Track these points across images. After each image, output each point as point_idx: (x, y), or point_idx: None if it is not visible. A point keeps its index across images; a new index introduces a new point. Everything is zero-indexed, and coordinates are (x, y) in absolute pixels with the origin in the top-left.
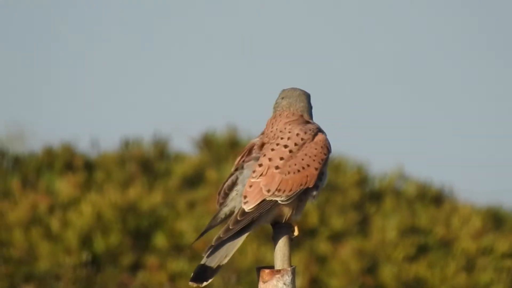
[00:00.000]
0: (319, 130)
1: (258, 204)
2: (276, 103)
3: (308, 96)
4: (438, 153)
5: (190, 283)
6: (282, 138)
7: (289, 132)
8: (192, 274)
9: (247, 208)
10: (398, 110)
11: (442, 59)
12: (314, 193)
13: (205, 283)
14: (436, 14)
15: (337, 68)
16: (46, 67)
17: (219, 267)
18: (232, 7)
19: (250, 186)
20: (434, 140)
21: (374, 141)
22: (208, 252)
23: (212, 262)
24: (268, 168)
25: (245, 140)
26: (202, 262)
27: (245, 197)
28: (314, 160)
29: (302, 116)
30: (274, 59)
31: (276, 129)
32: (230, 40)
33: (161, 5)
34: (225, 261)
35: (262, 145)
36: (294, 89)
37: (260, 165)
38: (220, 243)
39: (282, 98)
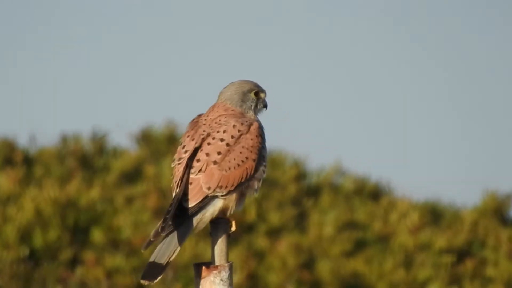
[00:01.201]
0: (254, 120)
1: (200, 201)
2: (221, 92)
3: (249, 90)
4: (375, 148)
5: (142, 281)
6: (218, 131)
7: (225, 124)
8: (143, 271)
9: (189, 206)
10: (336, 105)
11: (380, 54)
12: (256, 185)
13: (155, 280)
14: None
15: (276, 61)
16: None
17: (168, 263)
18: (164, 4)
19: (191, 183)
20: (372, 135)
21: (312, 136)
22: (150, 247)
23: (162, 258)
24: (207, 165)
25: None
26: (151, 259)
27: (186, 194)
28: (251, 152)
29: (240, 111)
30: (212, 53)
31: (211, 119)
32: (167, 35)
33: (96, 2)
34: (173, 256)
35: (196, 123)
36: (240, 83)
37: (198, 161)
38: (167, 239)
39: (226, 88)
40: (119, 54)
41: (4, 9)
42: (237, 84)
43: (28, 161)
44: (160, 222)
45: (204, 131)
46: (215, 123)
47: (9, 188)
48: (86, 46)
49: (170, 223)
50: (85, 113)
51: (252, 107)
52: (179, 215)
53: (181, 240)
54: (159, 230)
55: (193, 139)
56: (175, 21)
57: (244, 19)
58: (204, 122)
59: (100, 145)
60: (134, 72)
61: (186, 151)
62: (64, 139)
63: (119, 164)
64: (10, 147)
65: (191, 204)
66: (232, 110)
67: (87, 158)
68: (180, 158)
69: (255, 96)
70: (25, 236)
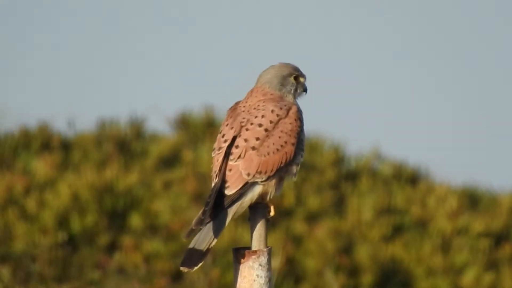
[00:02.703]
0: (293, 104)
1: (240, 188)
2: (260, 75)
3: (289, 74)
4: (414, 133)
5: (182, 268)
6: (256, 117)
7: (263, 109)
8: (182, 258)
9: (229, 193)
10: (374, 90)
11: (419, 38)
12: (295, 170)
13: (195, 267)
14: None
15: (315, 46)
16: (21, 47)
17: (208, 250)
18: None
19: (230, 170)
20: (410, 120)
21: (351, 121)
22: (191, 234)
23: (201, 245)
24: (246, 151)
25: (221, 120)
26: (191, 245)
27: (225, 181)
28: (290, 136)
29: (279, 95)
30: (252, 38)
31: (250, 105)
32: (206, 19)
33: None
34: (213, 243)
35: (234, 109)
36: (280, 66)
37: (237, 147)
38: (207, 226)
39: (266, 72)
40: (156, 38)
41: None
42: (277, 67)
43: (66, 146)
44: (201, 212)
45: (243, 118)
46: (254, 109)
47: (46, 173)
48: (122, 30)
49: (209, 216)
50: (123, 98)
51: (292, 91)
52: (219, 203)
53: (220, 227)
54: (198, 224)
55: (232, 128)
56: (213, 2)
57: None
58: (243, 109)
59: (137, 130)
60: (171, 56)
61: (225, 140)
62: (102, 124)
63: (157, 149)
64: (47, 132)
65: (231, 191)
66: (271, 94)
67: (125, 143)
68: (220, 148)
69: (295, 80)
70: (62, 221)
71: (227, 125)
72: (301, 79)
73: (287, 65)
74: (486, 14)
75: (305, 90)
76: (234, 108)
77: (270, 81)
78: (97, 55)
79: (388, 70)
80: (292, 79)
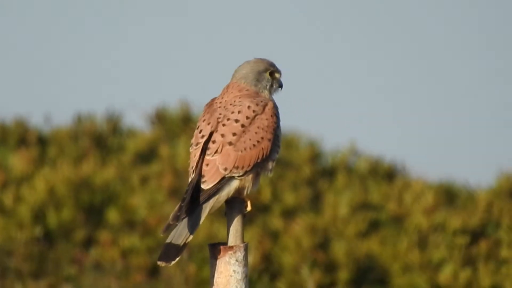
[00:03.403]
0: (269, 100)
1: (217, 183)
2: (235, 70)
3: (265, 69)
4: (390, 129)
5: (159, 262)
6: (232, 112)
7: (240, 105)
8: (159, 253)
9: (206, 187)
10: (350, 86)
11: (395, 33)
12: (271, 166)
13: (172, 262)
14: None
15: (291, 42)
16: None
17: (185, 245)
18: None
19: (207, 165)
20: (386, 116)
21: (327, 117)
22: (168, 229)
23: (178, 240)
24: (223, 146)
25: (198, 115)
26: (168, 240)
27: (203, 176)
28: (266, 132)
29: (255, 91)
30: (228, 33)
31: (226, 101)
32: (183, 14)
33: None
34: (190, 238)
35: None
36: (255, 62)
37: (214, 142)
38: (184, 221)
39: (241, 67)
40: (132, 33)
41: None
42: (252, 63)
43: (42, 141)
44: (177, 207)
45: (220, 114)
46: (230, 104)
47: (22, 168)
48: (100, 25)
49: (185, 212)
50: (100, 93)
51: (267, 87)
52: (195, 197)
53: (197, 222)
54: (175, 219)
55: (209, 123)
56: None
57: None
58: (219, 105)
59: (114, 125)
60: (148, 51)
61: (202, 136)
62: (79, 119)
63: (134, 144)
64: (23, 127)
65: (208, 185)
66: (247, 90)
67: (102, 139)
68: (197, 143)
69: (270, 76)
70: (39, 216)
71: (204, 120)
72: (277, 75)
73: (262, 60)
74: (455, 8)
75: (280, 85)
76: (210, 104)
77: (245, 76)
78: (74, 50)
79: (363, 66)
80: (267, 74)
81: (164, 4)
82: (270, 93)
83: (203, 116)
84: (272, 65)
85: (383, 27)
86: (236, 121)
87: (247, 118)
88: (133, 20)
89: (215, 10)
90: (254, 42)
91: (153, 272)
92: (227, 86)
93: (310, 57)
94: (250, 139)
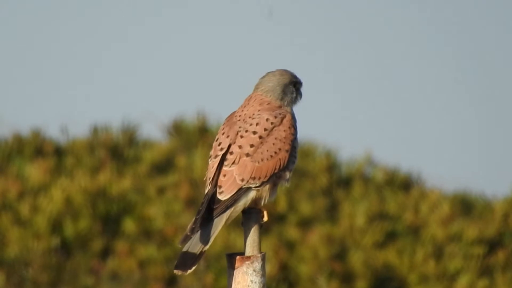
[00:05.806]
0: (287, 112)
1: (234, 193)
2: (259, 82)
3: (290, 82)
4: (406, 139)
5: (175, 271)
6: (251, 125)
7: (258, 118)
8: (175, 261)
9: (223, 198)
10: (366, 95)
11: (413, 43)
12: (288, 176)
13: (189, 271)
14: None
15: (308, 52)
16: (14, 52)
17: (201, 253)
18: None
19: (224, 176)
20: (402, 126)
21: (343, 127)
22: (185, 241)
23: (195, 249)
24: (240, 157)
25: (215, 127)
26: (185, 249)
27: (220, 187)
28: (284, 143)
29: (278, 105)
30: (245, 44)
31: (246, 114)
32: (200, 25)
33: None
34: (207, 247)
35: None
36: (281, 74)
37: (231, 153)
38: (201, 230)
39: (266, 79)
40: (150, 44)
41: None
42: (278, 75)
43: (59, 152)
44: (193, 219)
45: (240, 127)
46: (249, 117)
47: (39, 179)
48: (117, 36)
49: (200, 225)
50: (116, 104)
51: (292, 99)
52: (212, 208)
53: (214, 231)
54: (192, 231)
55: (228, 136)
56: (206, 7)
57: (275, 7)
58: (239, 118)
59: (130, 136)
60: (165, 61)
61: (221, 148)
62: (95, 130)
63: (150, 155)
64: (40, 138)
65: (225, 196)
66: (268, 104)
67: (118, 149)
68: (216, 156)
69: (294, 87)
70: (56, 226)
71: (223, 133)
72: (299, 86)
73: (286, 72)
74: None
75: (301, 96)
76: (230, 117)
77: (273, 89)
78: (91, 60)
79: (380, 76)
80: (292, 86)
81: (181, 15)
82: (293, 104)
83: (223, 129)
84: (295, 76)
85: (402, 36)
86: (254, 133)
87: (265, 130)
88: (151, 31)
89: (234, 23)
90: (273, 52)
91: (171, 282)
92: (249, 98)
93: (327, 66)
94: (267, 150)
